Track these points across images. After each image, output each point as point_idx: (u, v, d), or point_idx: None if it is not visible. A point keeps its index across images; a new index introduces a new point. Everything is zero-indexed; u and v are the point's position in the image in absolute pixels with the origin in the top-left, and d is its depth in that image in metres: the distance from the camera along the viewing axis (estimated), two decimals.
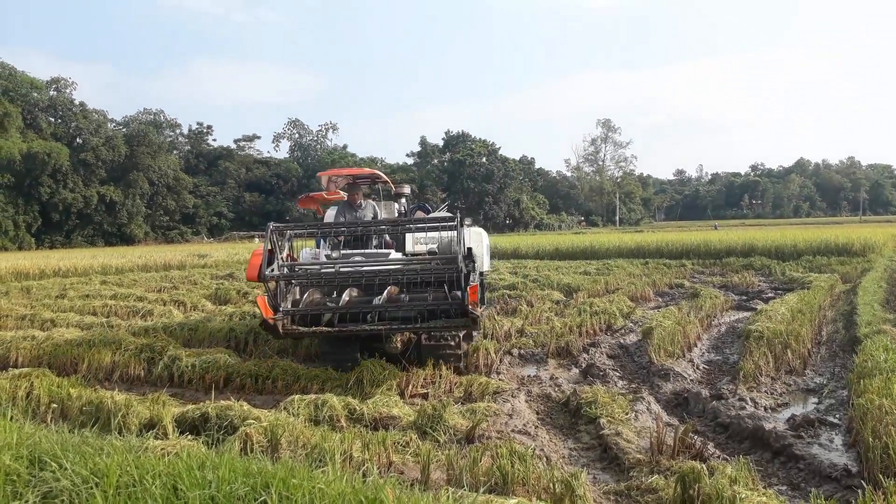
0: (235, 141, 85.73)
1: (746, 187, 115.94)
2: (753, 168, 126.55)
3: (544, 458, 4.80)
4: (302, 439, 5.10)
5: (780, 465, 5.51)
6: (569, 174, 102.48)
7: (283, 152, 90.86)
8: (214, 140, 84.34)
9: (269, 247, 7.57)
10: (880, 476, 4.51)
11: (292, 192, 76.69)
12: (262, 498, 3.73)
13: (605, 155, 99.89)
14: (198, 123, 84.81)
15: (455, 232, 7.56)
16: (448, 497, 3.95)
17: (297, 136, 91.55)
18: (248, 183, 77.04)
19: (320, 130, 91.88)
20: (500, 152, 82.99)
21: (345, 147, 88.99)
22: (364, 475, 4.20)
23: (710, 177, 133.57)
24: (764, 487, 4.60)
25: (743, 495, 4.13)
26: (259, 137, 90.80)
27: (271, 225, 7.84)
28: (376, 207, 10.23)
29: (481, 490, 4.22)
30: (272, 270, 7.52)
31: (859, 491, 4.15)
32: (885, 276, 17.15)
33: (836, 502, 4.20)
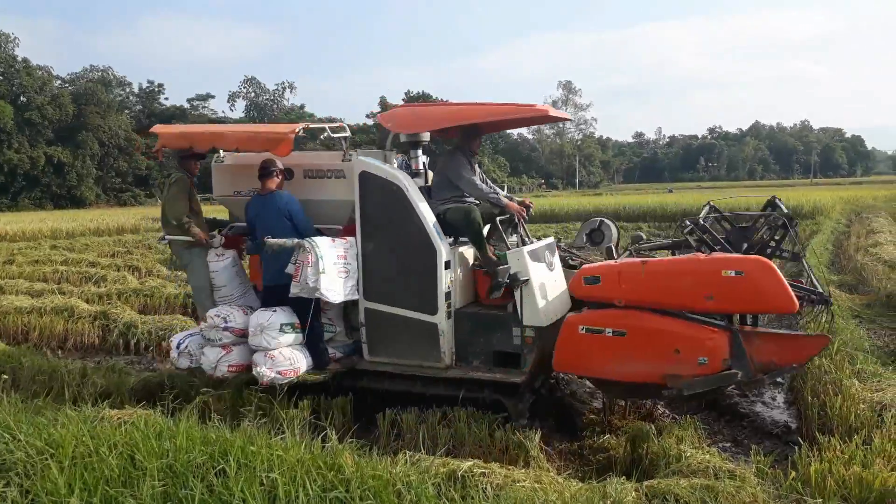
0: (189, 100, 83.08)
1: (703, 150, 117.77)
2: (711, 131, 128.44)
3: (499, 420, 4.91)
4: (263, 407, 5.12)
5: (726, 423, 5.76)
6: (530, 136, 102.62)
7: (238, 112, 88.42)
8: (167, 99, 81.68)
9: None
10: (817, 433, 4.75)
11: None
12: (221, 466, 3.76)
13: None
14: (149, 82, 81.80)
15: None
16: (406, 460, 4.04)
17: (253, 95, 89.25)
18: None
19: (277, 90, 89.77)
20: None
21: (302, 107, 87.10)
22: (323, 441, 4.25)
23: (668, 139, 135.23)
24: (709, 445, 4.81)
25: (688, 453, 4.31)
26: (213, 97, 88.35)
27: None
28: None
29: (439, 452, 4.31)
30: None
31: (796, 447, 4.36)
32: (832, 239, 17.72)
33: (774, 457, 4.41)
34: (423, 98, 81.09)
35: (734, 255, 5.21)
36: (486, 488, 3.69)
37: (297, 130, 5.44)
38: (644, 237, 6.44)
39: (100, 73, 76.52)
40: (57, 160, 61.11)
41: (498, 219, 5.54)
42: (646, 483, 3.83)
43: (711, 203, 6.50)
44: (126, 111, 76.36)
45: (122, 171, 67.86)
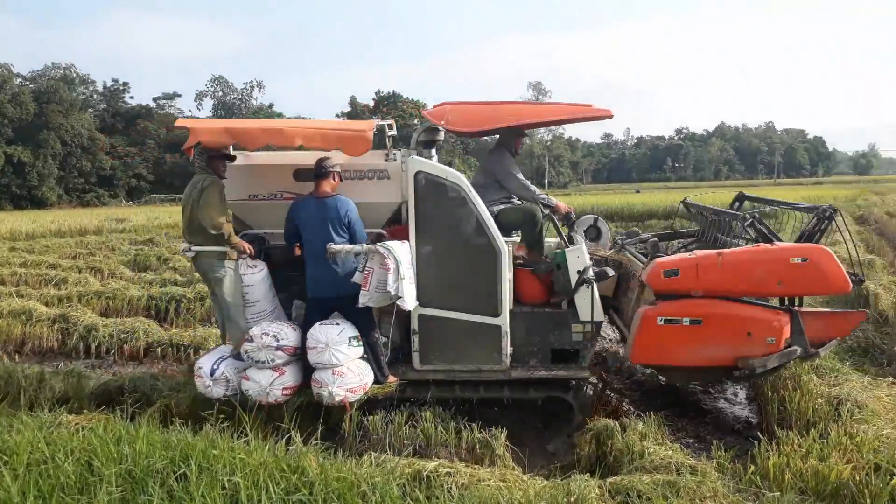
0: (155, 99, 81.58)
1: (670, 150, 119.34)
2: (678, 132, 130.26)
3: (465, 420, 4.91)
4: (225, 410, 5.05)
5: (689, 419, 5.83)
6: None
7: (206, 111, 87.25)
8: (132, 98, 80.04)
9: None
10: (776, 427, 4.85)
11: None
12: (182, 470, 3.71)
13: None
14: (113, 80, 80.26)
15: None
16: (371, 461, 4.02)
17: (220, 94, 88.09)
18: (170, 143, 73.71)
19: (245, 88, 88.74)
20: None
21: (271, 106, 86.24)
22: (287, 443, 4.21)
23: (635, 140, 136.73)
24: (672, 442, 4.87)
25: (651, 450, 4.36)
26: (180, 95, 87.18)
27: None
28: None
29: (405, 452, 4.30)
30: None
31: (756, 442, 4.44)
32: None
33: (735, 452, 4.48)
34: (394, 97, 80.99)
35: (799, 244, 5.55)
36: (451, 488, 3.70)
37: (373, 127, 5.21)
38: (640, 233, 6.66)
39: (62, 71, 74.86)
40: (17, 160, 59.59)
41: (556, 220, 5.59)
42: (609, 480, 3.88)
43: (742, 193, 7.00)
44: (89, 110, 74.76)
45: (85, 171, 66.40)
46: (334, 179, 5.17)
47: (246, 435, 4.22)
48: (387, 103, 79.98)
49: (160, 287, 10.82)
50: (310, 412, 5.26)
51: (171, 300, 9.96)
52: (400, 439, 4.76)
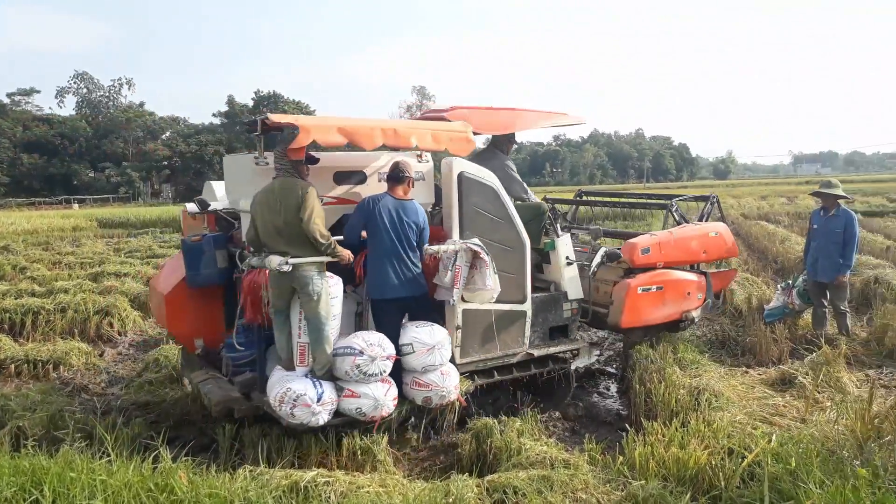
0: (9, 95, 75.29)
1: (549, 156, 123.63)
2: (555, 138, 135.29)
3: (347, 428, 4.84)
4: (83, 429, 4.72)
5: (564, 414, 6.04)
6: None
7: (68, 109, 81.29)
8: None
9: None
10: (643, 418, 5.12)
11: (80, 153, 69.32)
12: (34, 497, 3.42)
13: None
14: None
15: None
16: (246, 475, 3.88)
17: (85, 91, 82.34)
18: (27, 143, 68.17)
19: (113, 86, 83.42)
20: (314, 115, 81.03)
21: (142, 104, 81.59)
22: (155, 461, 3.98)
23: (517, 146, 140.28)
24: (547, 437, 5.03)
25: (528, 446, 4.49)
26: (38, 91, 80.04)
27: None
28: None
29: (279, 465, 4.18)
30: None
31: (624, 434, 4.67)
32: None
33: (605, 444, 4.69)
34: (274, 97, 78.89)
35: (710, 223, 7.28)
36: (329, 497, 3.64)
37: (470, 129, 5.46)
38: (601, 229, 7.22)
39: None
40: None
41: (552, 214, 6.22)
42: (487, 478, 3.95)
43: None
44: None
45: None
46: (410, 185, 5.11)
47: (108, 454, 3.95)
48: (267, 103, 77.80)
49: (15, 298, 9.95)
50: (186, 425, 5.03)
51: (28, 312, 9.17)
52: (278, 450, 4.63)
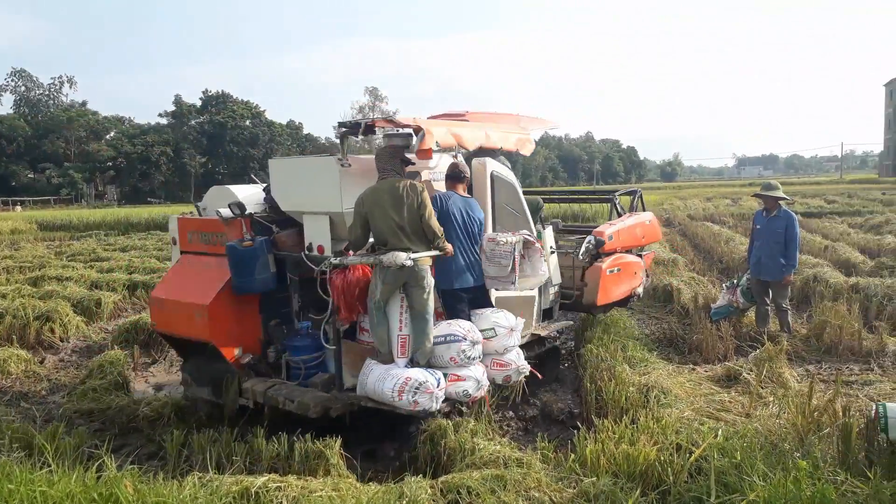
0: None
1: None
2: None
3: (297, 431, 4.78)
4: (20, 438, 4.55)
5: (518, 414, 6.06)
6: (337, 141, 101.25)
7: (5, 108, 78.15)
8: None
9: None
10: (593, 416, 5.20)
11: (19, 153, 66.71)
12: None
13: None
14: None
15: None
16: (195, 482, 3.79)
17: (23, 89, 79.30)
18: None
19: (53, 84, 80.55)
20: (265, 115, 79.76)
21: (84, 104, 78.99)
22: (99, 469, 3.86)
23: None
24: (501, 436, 5.06)
25: (481, 446, 4.50)
26: None
27: None
28: None
29: (229, 471, 4.10)
30: None
31: (576, 431, 4.73)
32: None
33: (557, 442, 4.74)
34: (223, 97, 77.41)
35: (643, 212, 8.50)
36: (281, 502, 3.58)
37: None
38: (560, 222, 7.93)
39: None
40: None
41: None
42: (441, 479, 3.94)
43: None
44: None
45: None
46: (467, 183, 5.58)
47: (49, 465, 3.81)
48: (215, 103, 76.32)
49: None
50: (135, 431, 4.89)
51: None
52: (229, 456, 4.54)
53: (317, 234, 5.15)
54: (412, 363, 4.84)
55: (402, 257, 4.61)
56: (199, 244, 5.77)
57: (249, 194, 5.80)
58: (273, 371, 5.47)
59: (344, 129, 5.03)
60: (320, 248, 5.09)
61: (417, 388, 4.60)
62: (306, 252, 5.16)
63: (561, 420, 5.95)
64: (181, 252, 5.97)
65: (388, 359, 4.85)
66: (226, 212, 5.36)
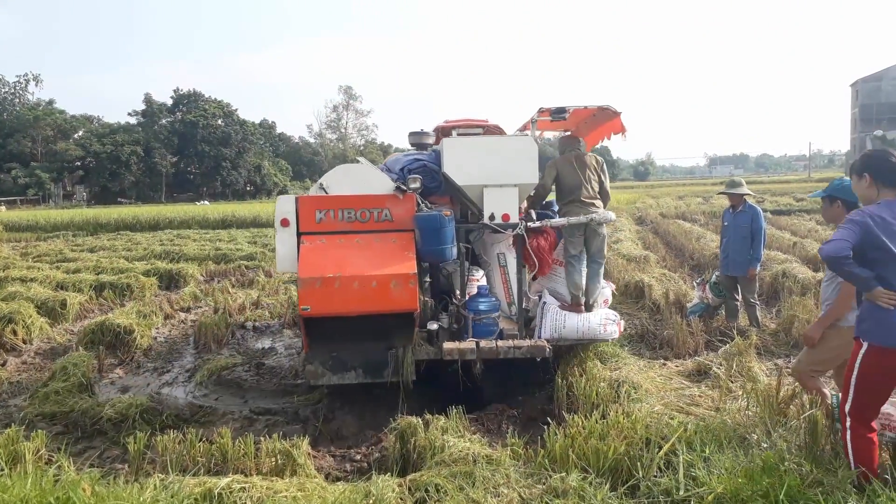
0: None
1: None
2: None
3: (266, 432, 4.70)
4: None
5: (488, 410, 6.04)
6: (312, 140, 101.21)
7: None
8: None
9: None
10: (564, 412, 5.19)
11: None
12: None
13: (346, 122, 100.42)
14: None
15: None
16: (156, 484, 3.70)
17: None
18: None
19: (18, 82, 79.01)
20: (237, 114, 79.01)
21: (51, 102, 77.55)
22: (57, 473, 3.75)
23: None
24: (472, 433, 5.02)
25: (451, 443, 4.45)
26: None
27: None
28: None
29: (192, 472, 4.01)
30: None
31: (545, 427, 4.71)
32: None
33: (527, 438, 4.72)
34: (195, 96, 76.48)
35: None
36: (245, 503, 3.50)
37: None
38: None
39: None
40: None
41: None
42: (409, 477, 3.89)
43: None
44: None
45: None
46: None
47: (2, 469, 3.69)
48: (187, 101, 75.37)
49: None
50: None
51: None
52: (193, 457, 4.44)
53: (501, 205, 5.97)
54: (589, 307, 6.20)
55: (612, 216, 6.11)
56: (336, 223, 5.70)
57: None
58: (449, 335, 6.02)
59: (550, 112, 6.29)
60: (505, 216, 5.94)
61: (612, 321, 6.16)
62: (488, 221, 5.96)
63: (532, 416, 5.91)
64: (301, 233, 5.68)
65: (577, 304, 6.10)
66: (415, 185, 5.82)
